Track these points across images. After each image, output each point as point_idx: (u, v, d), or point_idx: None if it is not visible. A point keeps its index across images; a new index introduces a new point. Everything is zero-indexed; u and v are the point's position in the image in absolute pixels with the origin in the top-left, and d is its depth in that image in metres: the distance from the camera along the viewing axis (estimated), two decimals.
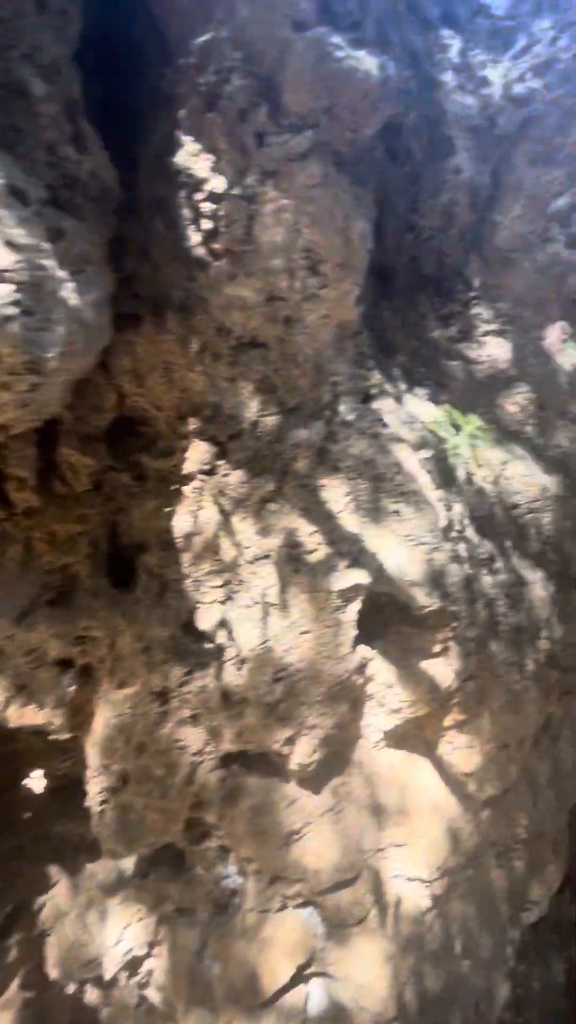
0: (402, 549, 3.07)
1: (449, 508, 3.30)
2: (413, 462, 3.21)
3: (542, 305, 4.25)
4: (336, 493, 3.04)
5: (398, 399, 3.48)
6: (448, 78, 3.94)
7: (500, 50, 4.13)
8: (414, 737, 3.89)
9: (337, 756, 3.48)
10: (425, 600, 3.07)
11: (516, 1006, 4.85)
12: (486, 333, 4.33)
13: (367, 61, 2.75)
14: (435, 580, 3.13)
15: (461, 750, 3.84)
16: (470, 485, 3.55)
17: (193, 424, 3.11)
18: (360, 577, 2.93)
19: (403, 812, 3.75)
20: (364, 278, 3.22)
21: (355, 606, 2.98)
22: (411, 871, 3.70)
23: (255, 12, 2.70)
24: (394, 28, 3.39)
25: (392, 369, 3.58)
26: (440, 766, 3.90)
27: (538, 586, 3.87)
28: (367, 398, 3.29)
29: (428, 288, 4.28)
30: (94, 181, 2.54)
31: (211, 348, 3.10)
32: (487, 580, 3.53)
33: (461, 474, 3.54)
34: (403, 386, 3.57)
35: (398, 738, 3.77)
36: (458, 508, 3.36)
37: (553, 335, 4.30)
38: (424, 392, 3.78)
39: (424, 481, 3.20)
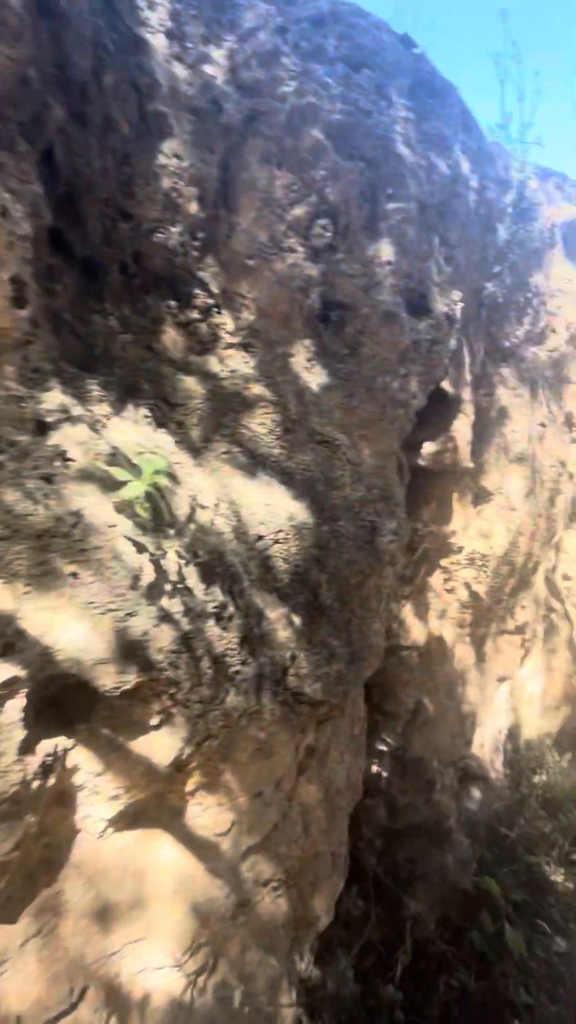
0: (83, 621, 2.19)
1: (159, 558, 2.49)
2: (103, 507, 2.33)
3: (287, 319, 3.62)
4: None
5: (97, 425, 2.57)
6: (160, 43, 3.05)
7: (226, 28, 3.34)
8: (155, 809, 3.09)
9: (33, 874, 2.53)
10: (117, 679, 2.25)
11: (311, 1010, 4.41)
12: (230, 346, 3.59)
13: None
14: (132, 651, 2.32)
15: (211, 810, 3.12)
16: (194, 523, 2.78)
17: None
18: (15, 669, 1.99)
19: (140, 903, 2.94)
20: (36, 277, 2.25)
21: (16, 703, 2.03)
22: (157, 960, 2.91)
23: None
24: None
25: (91, 388, 2.63)
26: (187, 835, 3.14)
27: (281, 624, 3.26)
28: (42, 428, 2.32)
29: (161, 289, 3.41)
30: None
31: None
32: (215, 632, 2.81)
33: (183, 511, 2.76)
34: (107, 408, 2.66)
35: (131, 819, 2.93)
36: (173, 556, 2.57)
37: (299, 353, 3.70)
38: (145, 414, 2.91)
39: (119, 530, 2.35)
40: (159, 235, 3.37)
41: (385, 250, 3.88)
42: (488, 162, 4.59)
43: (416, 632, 5.36)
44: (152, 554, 2.53)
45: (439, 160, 4.16)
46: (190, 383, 3.53)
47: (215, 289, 3.72)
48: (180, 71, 3.23)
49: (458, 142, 4.37)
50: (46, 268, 2.81)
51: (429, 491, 5.35)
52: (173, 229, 3.41)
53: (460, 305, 4.27)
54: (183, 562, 2.71)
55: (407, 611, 5.35)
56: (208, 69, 3.32)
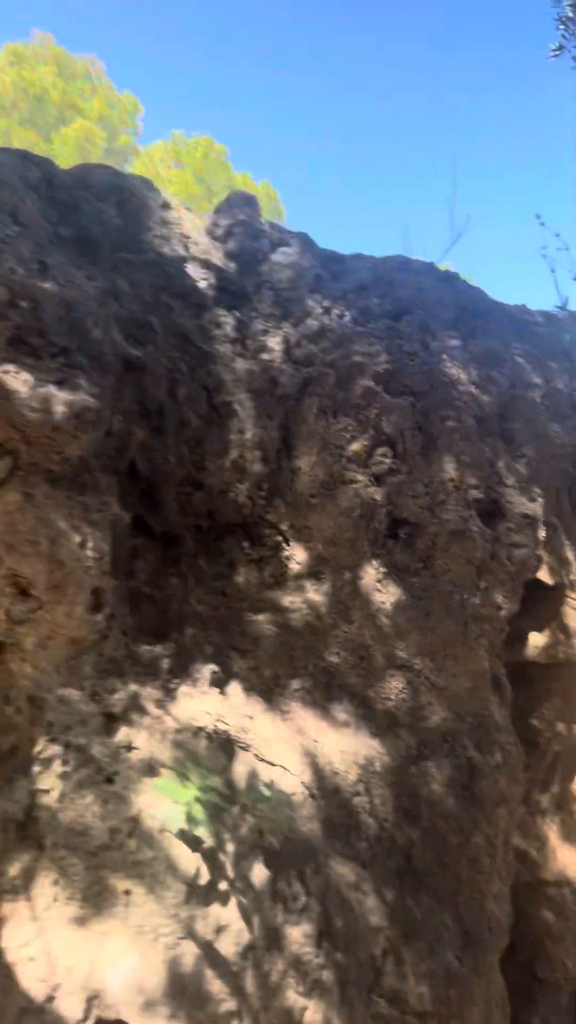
0: (133, 950, 1.98)
1: (217, 851, 2.26)
2: (160, 804, 2.23)
3: (353, 543, 3.56)
4: (40, 887, 2.01)
5: (164, 702, 2.58)
6: (225, 350, 3.56)
7: (280, 319, 3.84)
8: None
9: None
10: None
11: None
12: (299, 576, 3.58)
13: (52, 400, 2.20)
14: (184, 986, 2.01)
15: None
16: (259, 797, 2.55)
17: None
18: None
19: None
20: (116, 565, 2.48)
21: None
22: None
23: None
24: (149, 335, 2.97)
25: (162, 660, 2.71)
26: None
27: (368, 904, 2.72)
28: (111, 720, 2.38)
29: (236, 533, 3.59)
30: None
31: None
32: (286, 933, 2.40)
33: (246, 786, 2.55)
34: (175, 679, 2.68)
35: None
36: (232, 848, 2.32)
37: (368, 574, 3.58)
38: (213, 670, 2.90)
39: (175, 828, 2.20)
40: (229, 495, 3.67)
41: (447, 467, 3.77)
42: (550, 354, 4.49)
43: (565, 859, 4.23)
44: (210, 849, 2.32)
45: (494, 371, 4.13)
46: (262, 621, 3.52)
47: (283, 527, 3.84)
48: (241, 364, 3.73)
49: (512, 349, 4.36)
50: (128, 551, 3.15)
51: (547, 685, 4.50)
52: (241, 486, 3.69)
53: (540, 500, 3.91)
54: (245, 849, 2.40)
55: (550, 830, 4.30)
56: (265, 356, 3.79)
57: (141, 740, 2.39)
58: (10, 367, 2.23)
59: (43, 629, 2.31)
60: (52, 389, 2.23)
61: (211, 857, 2.21)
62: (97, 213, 3.38)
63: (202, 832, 2.24)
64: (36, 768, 2.14)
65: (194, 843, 2.20)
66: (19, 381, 2.21)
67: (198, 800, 2.23)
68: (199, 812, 2.21)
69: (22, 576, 2.25)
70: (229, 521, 3.48)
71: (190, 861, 2.17)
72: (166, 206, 3.78)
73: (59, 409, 2.20)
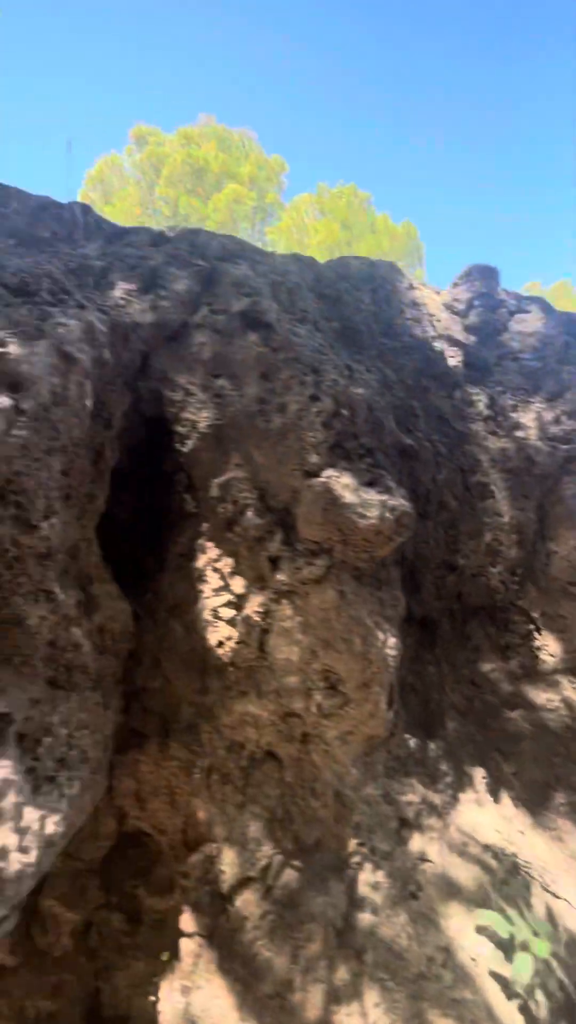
0: None
1: (527, 1007, 2.05)
2: (470, 938, 2.09)
3: None
4: (366, 1005, 1.97)
5: (446, 809, 2.47)
6: (478, 428, 3.47)
7: (530, 392, 3.66)
8: None
9: None
10: None
11: None
12: (554, 670, 3.30)
13: (375, 506, 2.28)
14: None
15: None
16: (560, 934, 2.29)
17: (196, 859, 2.31)
18: None
19: None
20: (394, 691, 2.46)
21: None
22: None
23: (269, 462, 2.39)
24: (413, 421, 3.02)
25: (437, 760, 2.61)
26: None
27: None
28: (404, 825, 2.32)
29: (481, 616, 3.43)
30: (104, 642, 2.14)
31: (220, 769, 2.40)
32: None
33: (544, 914, 2.31)
34: (451, 783, 2.56)
35: None
36: (541, 999, 2.09)
37: None
38: (481, 776, 2.73)
39: (491, 963, 2.04)
40: (481, 578, 3.54)
41: None
42: None
43: None
44: (523, 997, 2.12)
45: None
46: (517, 719, 3.29)
47: (534, 614, 3.60)
48: (494, 443, 3.62)
49: None
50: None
51: None
52: (494, 570, 3.54)
53: None
54: (556, 1007, 2.16)
55: None
56: (519, 433, 3.65)
57: (433, 852, 2.29)
58: (332, 472, 2.35)
59: (345, 724, 2.34)
60: (373, 494, 2.30)
61: (525, 1009, 2.02)
62: (355, 303, 3.53)
63: (515, 976, 2.06)
64: (349, 872, 2.14)
65: (508, 988, 2.03)
66: (342, 485, 2.32)
67: (509, 938, 2.06)
68: (516, 956, 2.04)
69: (333, 672, 2.31)
70: (476, 604, 3.34)
71: (506, 1010, 1.99)
72: (411, 287, 3.85)
73: (383, 514, 2.26)
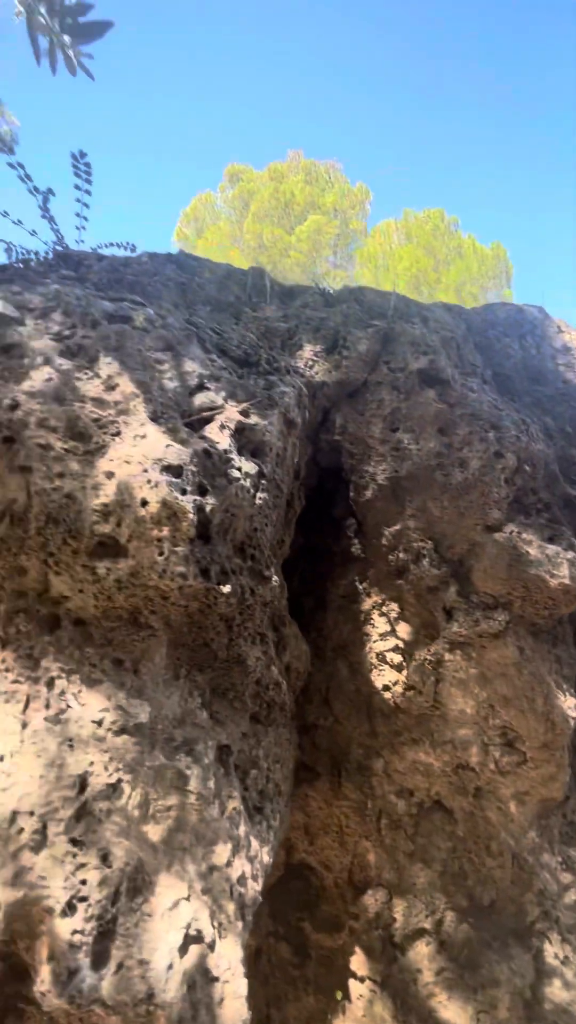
0: None
1: None
2: None
3: None
4: None
5: None
6: None
7: None
8: None
9: None
10: None
11: None
12: None
13: (564, 564, 2.27)
14: None
15: None
16: None
17: (366, 903, 2.35)
18: None
19: None
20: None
21: None
22: None
23: (446, 514, 2.47)
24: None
25: None
26: None
27: None
28: None
29: None
30: (290, 680, 2.29)
31: (389, 814, 2.45)
32: None
33: None
34: None
35: None
36: None
37: None
38: None
39: None
40: None
41: None
42: None
43: None
44: None
45: None
46: None
47: None
48: None
49: None
50: None
51: None
52: None
53: None
54: None
55: None
56: None
57: None
58: (514, 527, 2.37)
59: (522, 784, 2.30)
60: (558, 551, 2.29)
61: None
62: (504, 349, 3.54)
63: None
64: (534, 941, 2.08)
65: None
66: (525, 541, 2.33)
67: None
68: None
69: (512, 729, 2.29)
70: None
71: None
72: (560, 331, 3.81)
73: (573, 573, 2.24)
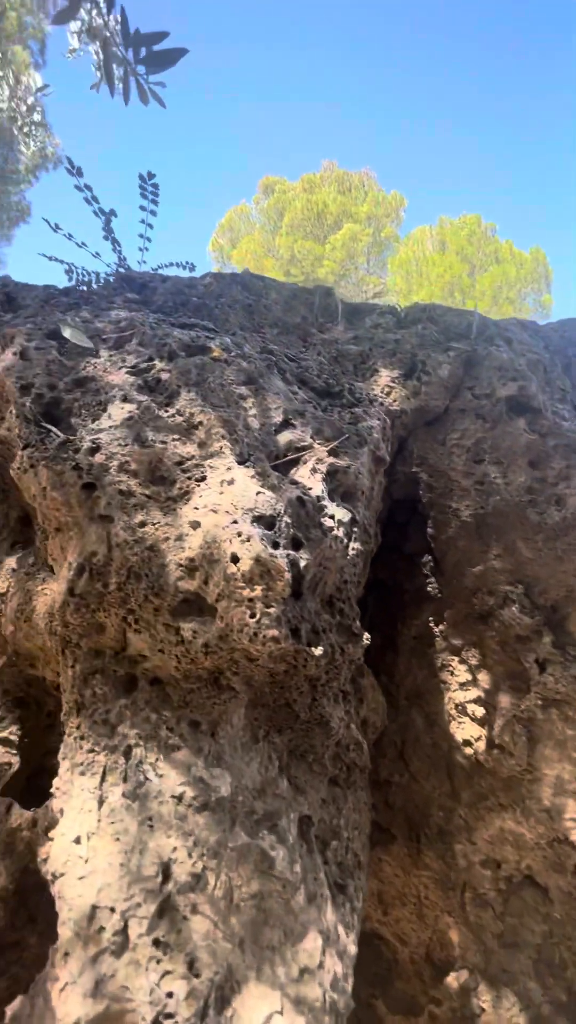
0: None
1: None
2: None
3: None
4: None
5: None
6: None
7: None
8: None
9: None
10: None
11: None
12: None
13: None
14: None
15: None
16: None
17: (449, 986, 2.12)
18: None
19: None
20: None
21: None
22: None
23: (540, 556, 2.25)
24: None
25: None
26: None
27: None
28: None
29: None
30: (366, 735, 2.10)
31: (475, 888, 2.22)
32: None
33: None
34: None
35: None
36: None
37: None
38: None
39: None
40: None
41: None
42: None
43: None
44: None
45: None
46: None
47: None
48: None
49: None
50: None
51: None
52: None
53: None
54: None
55: None
56: None
57: None
58: None
59: None
60: None
61: None
62: None
63: None
64: None
65: None
66: None
67: None
68: None
69: None
70: None
71: None
72: None
73: None
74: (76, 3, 2.05)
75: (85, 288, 2.76)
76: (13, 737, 2.30)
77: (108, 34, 2.01)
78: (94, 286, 2.82)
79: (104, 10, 2.04)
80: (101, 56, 2.05)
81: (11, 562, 2.11)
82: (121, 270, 2.85)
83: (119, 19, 1.95)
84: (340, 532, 1.60)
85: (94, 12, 2.10)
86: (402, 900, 2.24)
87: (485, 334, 2.72)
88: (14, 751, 2.27)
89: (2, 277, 2.74)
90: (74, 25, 2.26)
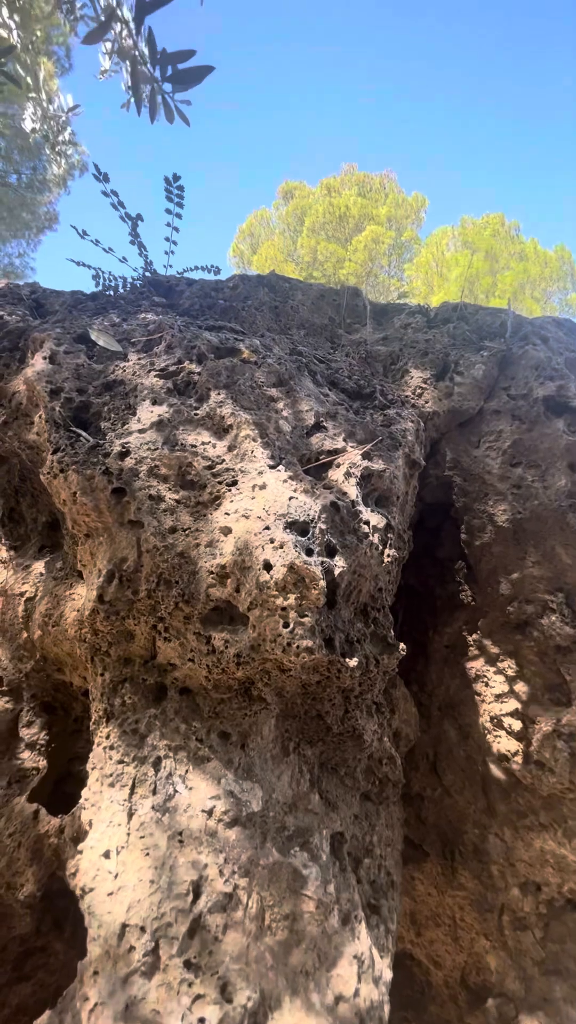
0: None
1: None
2: None
3: None
4: None
5: None
6: None
7: None
8: None
9: None
10: None
11: None
12: None
13: None
14: None
15: None
16: None
17: (487, 1014, 2.02)
18: None
19: None
20: None
21: None
22: None
23: None
24: None
25: None
26: None
27: None
28: None
29: None
30: (398, 748, 2.02)
31: (514, 911, 2.11)
32: None
33: None
34: None
35: None
36: None
37: None
38: None
39: None
40: None
41: None
42: None
43: None
44: None
45: None
46: None
47: None
48: None
49: None
50: None
51: None
52: None
53: None
54: None
55: None
56: None
57: None
58: None
59: None
60: None
61: None
62: None
63: None
64: None
65: None
66: None
67: None
68: None
69: None
70: None
71: None
72: None
73: None
74: (106, 24, 2.05)
75: (112, 293, 2.75)
76: (41, 742, 2.29)
77: (136, 54, 2.01)
78: (121, 291, 2.82)
79: (132, 30, 2.03)
80: (130, 75, 2.05)
81: (39, 566, 2.11)
82: (147, 274, 2.84)
83: (147, 38, 1.94)
84: (375, 538, 1.53)
85: (123, 32, 2.10)
86: (436, 920, 2.15)
87: (520, 332, 2.62)
88: (42, 756, 2.26)
89: (31, 283, 2.76)
90: (105, 46, 2.27)
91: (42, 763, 2.25)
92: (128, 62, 2.08)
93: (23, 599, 2.09)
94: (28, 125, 8.62)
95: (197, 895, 1.29)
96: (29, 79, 6.26)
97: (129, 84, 2.08)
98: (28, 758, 2.23)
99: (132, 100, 2.10)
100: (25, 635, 2.11)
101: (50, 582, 1.96)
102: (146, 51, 1.98)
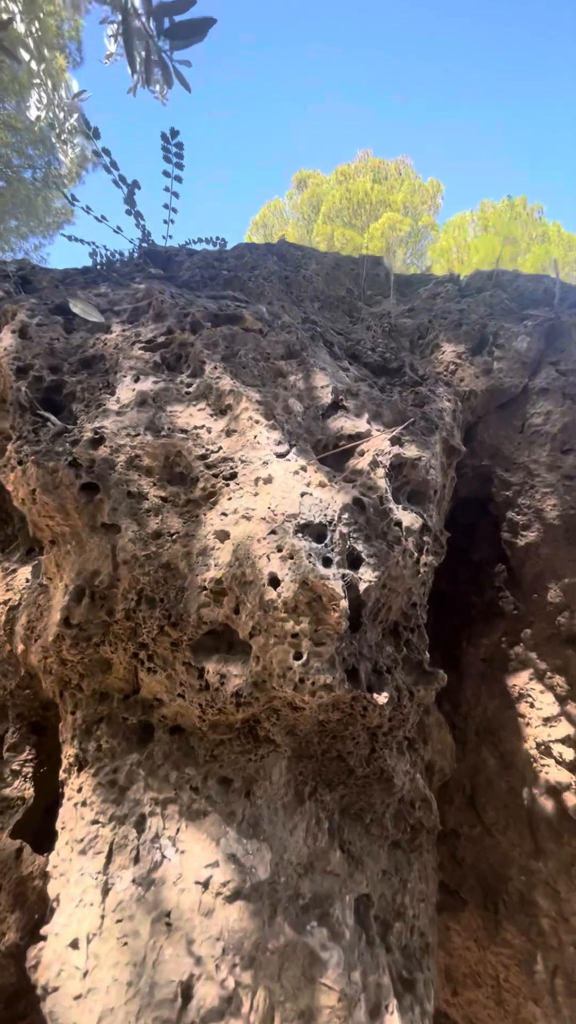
0: None
1: None
2: None
3: None
4: None
5: None
6: None
7: None
8: None
9: None
10: None
11: None
12: None
13: None
14: None
15: None
16: None
17: None
18: None
19: None
20: None
21: None
22: None
23: None
24: None
25: None
26: None
27: None
28: None
29: None
30: (431, 784, 1.73)
31: (568, 973, 1.81)
32: None
33: None
34: None
35: None
36: None
37: None
38: None
39: None
40: None
41: None
42: None
43: None
44: None
45: None
46: None
47: None
48: None
49: None
50: None
51: None
52: None
53: None
54: None
55: None
56: None
57: None
58: None
59: None
60: None
61: None
62: None
63: None
64: None
65: None
66: None
67: None
68: None
69: None
70: None
71: None
72: None
73: None
74: None
75: (105, 267, 2.47)
76: (28, 768, 2.04)
77: (128, 3, 1.71)
78: (118, 266, 2.53)
79: None
80: (121, 31, 1.76)
81: (25, 571, 1.85)
82: (144, 245, 2.54)
83: None
84: (410, 543, 1.22)
85: None
86: (475, 980, 1.86)
87: (569, 299, 2.27)
88: (28, 783, 2.01)
89: (19, 260, 2.49)
90: (110, 28, 2.00)
91: (28, 791, 2.00)
92: (119, 13, 1.78)
93: (6, 608, 1.84)
94: (33, 113, 8.40)
95: (187, 1000, 1.01)
96: (33, 64, 6.01)
97: (121, 44, 1.79)
98: (12, 787, 1.98)
99: (124, 61, 1.81)
100: (8, 648, 1.86)
101: (35, 589, 1.70)
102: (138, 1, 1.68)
